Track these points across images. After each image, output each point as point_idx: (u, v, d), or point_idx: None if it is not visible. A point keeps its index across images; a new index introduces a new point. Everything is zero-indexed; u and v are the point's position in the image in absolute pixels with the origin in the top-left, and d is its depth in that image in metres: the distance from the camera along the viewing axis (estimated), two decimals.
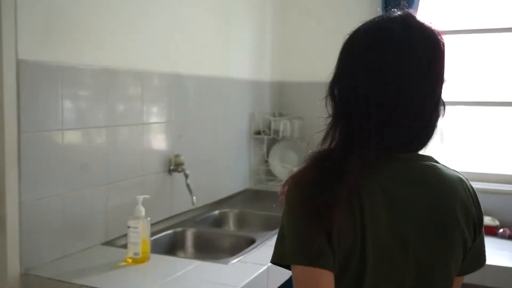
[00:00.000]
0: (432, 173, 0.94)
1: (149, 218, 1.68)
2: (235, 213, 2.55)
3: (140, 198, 1.67)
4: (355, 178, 0.87)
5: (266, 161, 3.18)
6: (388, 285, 0.90)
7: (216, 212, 2.50)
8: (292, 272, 0.89)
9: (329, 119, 0.97)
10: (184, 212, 2.35)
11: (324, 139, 0.96)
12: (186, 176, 2.22)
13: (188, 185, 2.22)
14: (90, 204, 1.79)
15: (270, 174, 3.15)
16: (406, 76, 0.90)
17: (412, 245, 0.90)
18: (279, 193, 0.95)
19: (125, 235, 1.71)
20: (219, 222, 2.50)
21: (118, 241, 1.89)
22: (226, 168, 2.78)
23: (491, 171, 3.10)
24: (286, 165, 3.11)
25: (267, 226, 2.32)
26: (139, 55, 2.03)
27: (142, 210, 1.66)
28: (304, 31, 3.37)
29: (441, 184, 0.93)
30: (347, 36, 0.96)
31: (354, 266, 0.88)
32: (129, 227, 1.65)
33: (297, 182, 0.92)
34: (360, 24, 0.96)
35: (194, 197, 2.17)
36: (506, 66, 3.08)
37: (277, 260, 0.91)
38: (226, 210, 2.54)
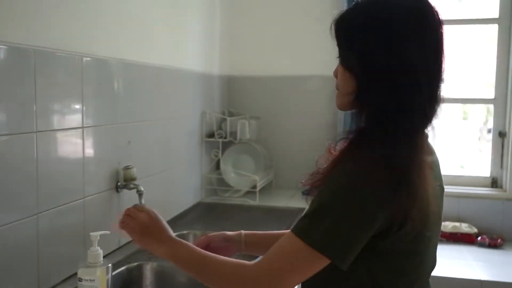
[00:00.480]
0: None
1: (110, 265, 1.17)
2: (197, 235, 2.06)
3: (97, 235, 1.15)
4: (422, 157, 0.92)
5: (218, 169, 2.72)
6: (429, 264, 1.01)
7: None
8: (296, 245, 0.88)
9: (366, 100, 0.93)
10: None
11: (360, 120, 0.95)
12: (140, 194, 1.71)
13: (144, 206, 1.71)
14: (14, 241, 1.24)
15: (222, 183, 2.69)
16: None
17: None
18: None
19: (65, 281, 1.17)
20: None
21: None
22: (179, 179, 2.28)
23: (465, 173, 2.89)
24: (240, 171, 2.67)
25: None
26: (77, 36, 1.49)
27: (99, 254, 1.14)
28: (255, 22, 2.96)
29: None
30: (383, 15, 0.92)
31: (420, 246, 0.94)
32: (80, 279, 1.13)
33: (365, 171, 0.87)
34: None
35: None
36: (477, 61, 2.88)
37: (301, 236, 0.88)
38: (184, 232, 2.05)
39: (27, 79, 1.28)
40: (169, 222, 2.19)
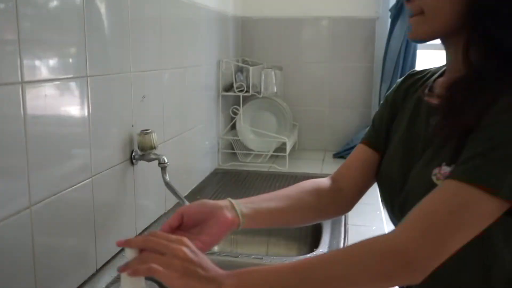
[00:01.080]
0: None
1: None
2: None
3: None
4: None
5: (233, 129, 2.30)
6: None
7: None
8: (470, 196, 0.66)
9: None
10: (155, 223, 1.44)
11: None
12: (164, 168, 1.29)
13: (168, 184, 1.29)
14: (5, 240, 0.82)
15: (242, 146, 2.27)
16: None
17: None
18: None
19: None
20: None
21: None
22: (194, 143, 1.85)
23: None
24: (260, 130, 2.25)
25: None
26: None
27: None
28: None
29: None
30: None
31: None
32: None
33: None
34: None
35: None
36: None
37: (482, 183, 0.66)
38: None
39: (6, 13, 0.81)
40: (188, 196, 1.80)
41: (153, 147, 1.28)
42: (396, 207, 0.85)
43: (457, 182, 0.68)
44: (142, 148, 1.28)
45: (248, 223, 0.83)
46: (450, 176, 0.69)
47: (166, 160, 1.28)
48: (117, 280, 1.12)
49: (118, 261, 1.19)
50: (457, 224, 0.66)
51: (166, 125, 1.52)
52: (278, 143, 2.25)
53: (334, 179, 0.99)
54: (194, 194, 1.77)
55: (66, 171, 1.00)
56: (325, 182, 0.98)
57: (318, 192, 0.94)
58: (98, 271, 1.13)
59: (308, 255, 1.27)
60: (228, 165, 2.16)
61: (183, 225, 0.81)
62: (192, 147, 1.81)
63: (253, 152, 2.27)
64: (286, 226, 1.05)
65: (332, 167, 2.19)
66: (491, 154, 0.67)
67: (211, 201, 0.84)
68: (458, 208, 0.67)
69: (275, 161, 2.23)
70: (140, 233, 1.36)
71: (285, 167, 2.11)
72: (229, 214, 0.81)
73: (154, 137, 1.28)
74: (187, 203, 1.26)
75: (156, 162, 1.29)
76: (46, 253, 0.94)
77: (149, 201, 1.42)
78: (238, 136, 2.25)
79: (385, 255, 0.67)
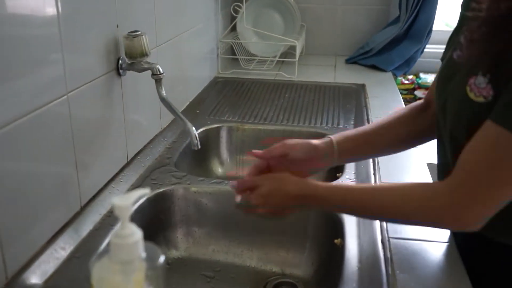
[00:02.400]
0: None
1: (162, 259, 0.54)
2: (232, 129, 1.43)
3: (127, 205, 0.50)
4: None
5: (234, 30, 2.01)
6: None
7: (198, 132, 1.38)
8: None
9: None
10: (149, 145, 1.22)
11: None
12: (158, 80, 1.03)
13: (164, 100, 1.05)
14: None
15: (243, 50, 2.00)
16: None
17: None
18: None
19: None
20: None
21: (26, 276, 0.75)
22: (191, 48, 1.58)
23: None
24: (264, 31, 1.96)
25: None
26: None
27: (136, 244, 0.50)
28: None
29: None
30: None
31: None
32: None
33: None
34: None
35: (195, 132, 1.03)
36: None
37: None
38: (214, 126, 1.42)
39: None
40: (185, 110, 1.57)
41: (144, 54, 1.02)
42: (439, 116, 0.80)
43: (497, 127, 0.63)
44: (130, 55, 1.02)
45: (345, 159, 0.98)
46: (492, 117, 0.64)
47: (161, 70, 1.03)
48: (107, 218, 0.92)
49: (107, 196, 0.98)
50: (502, 180, 0.64)
51: (159, 26, 1.24)
52: (285, 47, 1.98)
53: (427, 99, 0.92)
54: (194, 107, 1.54)
55: (32, 86, 0.76)
56: (418, 104, 0.93)
57: (413, 116, 0.92)
58: (83, 208, 0.92)
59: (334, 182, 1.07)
60: (229, 73, 1.91)
61: (285, 158, 0.87)
62: (189, 53, 1.54)
63: (257, 58, 2.00)
64: (384, 155, 1.05)
65: (347, 74, 1.95)
66: None
67: (317, 144, 0.89)
68: (503, 161, 0.63)
69: (282, 68, 1.97)
70: (133, 158, 1.14)
71: (294, 75, 1.86)
72: (324, 163, 0.91)
73: (145, 41, 1.01)
74: (188, 123, 1.03)
75: (149, 73, 1.03)
76: (16, 189, 0.72)
77: (141, 119, 1.18)
78: (239, 39, 1.97)
79: (430, 212, 0.69)
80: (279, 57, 1.98)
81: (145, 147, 1.21)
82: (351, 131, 0.94)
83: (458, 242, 0.84)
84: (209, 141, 1.40)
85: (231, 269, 1.05)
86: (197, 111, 1.51)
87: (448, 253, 0.83)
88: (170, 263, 1.04)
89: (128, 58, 1.02)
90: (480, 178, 0.65)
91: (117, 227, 0.49)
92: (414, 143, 0.96)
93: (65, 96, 0.84)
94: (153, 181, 1.07)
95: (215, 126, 1.41)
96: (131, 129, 1.11)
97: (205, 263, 1.06)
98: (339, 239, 0.91)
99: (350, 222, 0.93)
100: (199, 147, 1.03)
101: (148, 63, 1.03)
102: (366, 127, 0.97)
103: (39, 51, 0.77)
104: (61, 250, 0.82)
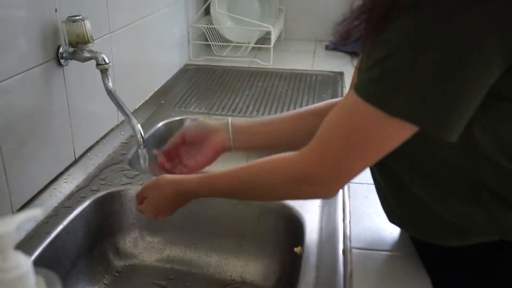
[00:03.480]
0: None
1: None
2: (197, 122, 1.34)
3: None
4: None
5: (207, 14, 1.90)
6: None
7: (160, 125, 1.28)
8: (363, 116, 0.59)
9: None
10: (104, 141, 1.12)
11: None
12: (104, 71, 0.93)
13: (110, 92, 0.95)
14: None
15: (216, 36, 1.89)
16: None
17: None
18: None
19: None
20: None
21: None
22: (159, 33, 1.47)
23: None
24: (240, 16, 1.85)
25: None
26: None
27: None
28: None
29: None
30: None
31: None
32: None
33: None
34: None
35: (141, 137, 0.93)
36: None
37: (377, 103, 0.57)
38: (177, 118, 1.33)
39: None
40: (149, 101, 1.47)
41: (87, 41, 0.92)
42: None
43: (356, 96, 0.59)
44: (71, 42, 0.91)
45: (241, 146, 0.87)
46: (354, 86, 0.60)
47: (106, 60, 0.93)
48: (43, 225, 0.83)
49: (47, 199, 0.88)
50: (354, 149, 0.61)
51: (112, 10, 1.14)
52: (261, 32, 1.88)
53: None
54: (159, 97, 1.44)
55: None
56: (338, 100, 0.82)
57: (329, 110, 0.73)
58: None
59: None
60: (201, 60, 1.80)
61: (186, 142, 0.89)
62: (154, 39, 1.43)
63: (231, 44, 1.90)
64: (285, 148, 0.89)
65: (326, 61, 1.85)
66: (385, 65, 0.56)
67: (210, 123, 0.88)
68: (353, 132, 0.60)
69: (257, 55, 1.87)
70: (82, 155, 1.04)
71: (269, 62, 1.76)
72: (219, 138, 0.87)
73: (87, 26, 0.91)
74: (133, 119, 0.94)
75: (94, 62, 0.93)
76: None
77: (91, 112, 1.08)
78: (212, 24, 1.87)
79: (287, 181, 0.67)
80: (256, 43, 1.88)
81: (97, 142, 1.11)
82: (255, 120, 0.91)
83: (421, 252, 0.76)
84: (172, 136, 1.30)
85: (187, 276, 0.97)
86: (162, 102, 1.41)
87: (412, 265, 0.74)
88: (119, 271, 0.95)
89: (69, 46, 0.92)
90: (331, 145, 0.62)
91: None
92: None
93: None
94: (102, 181, 0.98)
95: (178, 118, 1.32)
96: (77, 123, 1.01)
97: (158, 270, 0.97)
98: (299, 247, 0.83)
99: (311, 229, 0.84)
100: (143, 147, 0.93)
101: (92, 51, 0.93)
102: (274, 115, 0.93)
103: None
104: None
